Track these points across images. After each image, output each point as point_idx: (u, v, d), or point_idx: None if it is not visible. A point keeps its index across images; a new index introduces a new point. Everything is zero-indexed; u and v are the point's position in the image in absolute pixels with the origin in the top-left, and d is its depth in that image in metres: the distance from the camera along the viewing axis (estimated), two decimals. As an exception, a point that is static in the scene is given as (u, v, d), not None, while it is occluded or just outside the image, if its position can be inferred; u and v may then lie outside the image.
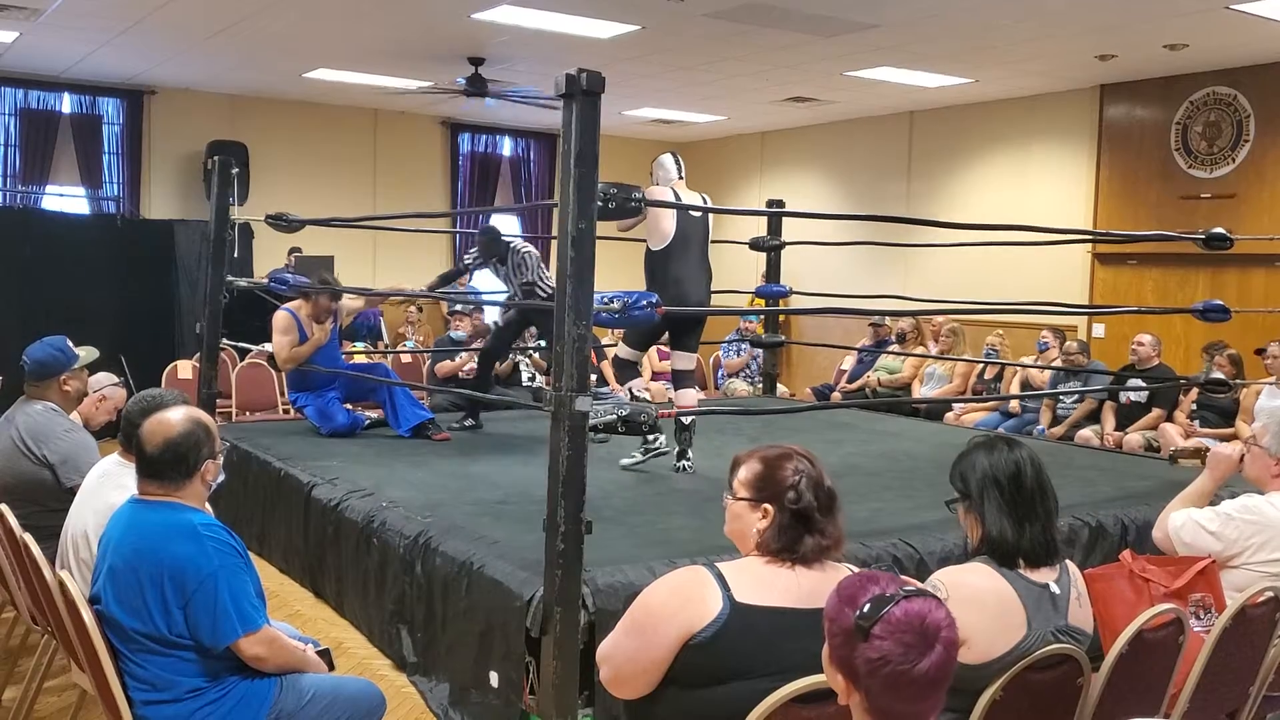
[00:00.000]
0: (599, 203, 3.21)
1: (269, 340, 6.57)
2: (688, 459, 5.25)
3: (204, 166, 9.99)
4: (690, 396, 5.60)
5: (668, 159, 5.38)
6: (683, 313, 5.22)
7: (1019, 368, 8.09)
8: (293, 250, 9.95)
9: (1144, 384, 7.21)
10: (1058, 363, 7.84)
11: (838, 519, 2.18)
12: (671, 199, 5.14)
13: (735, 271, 10.78)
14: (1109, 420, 7.47)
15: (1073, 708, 2.32)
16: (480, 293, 9.51)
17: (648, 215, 5.05)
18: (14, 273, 8.83)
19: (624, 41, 7.87)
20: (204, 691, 2.51)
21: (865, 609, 1.58)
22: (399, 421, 6.11)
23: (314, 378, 6.18)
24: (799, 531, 2.15)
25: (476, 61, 8.76)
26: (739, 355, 9.90)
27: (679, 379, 5.62)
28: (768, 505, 2.18)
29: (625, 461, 5.32)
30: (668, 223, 5.14)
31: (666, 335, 5.99)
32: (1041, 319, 8.34)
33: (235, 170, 6.41)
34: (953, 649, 1.58)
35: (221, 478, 2.76)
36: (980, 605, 2.24)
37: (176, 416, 2.64)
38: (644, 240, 5.27)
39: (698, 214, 5.26)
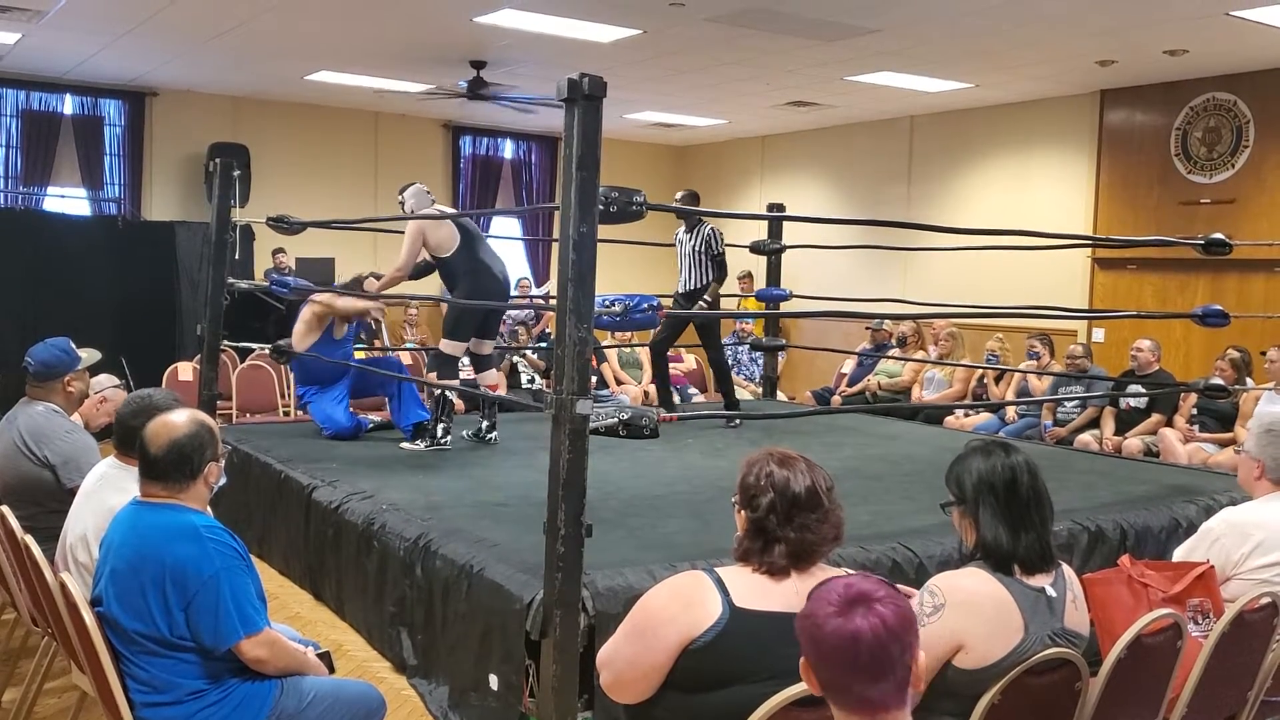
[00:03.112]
0: (600, 207, 3.21)
1: (269, 341, 6.59)
2: (495, 432, 6.03)
3: (205, 168, 10.01)
4: (493, 376, 6.33)
5: (422, 188, 6.10)
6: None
7: (1017, 373, 8.09)
8: (277, 251, 9.95)
9: (1144, 389, 7.21)
10: (1053, 368, 7.85)
11: (815, 524, 2.14)
12: (439, 212, 5.98)
13: (735, 275, 10.80)
14: (1108, 425, 7.47)
15: (1071, 712, 2.32)
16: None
17: (427, 232, 5.74)
18: (15, 274, 8.84)
19: (625, 45, 7.88)
20: (205, 693, 2.52)
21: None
22: (401, 416, 6.13)
23: (323, 372, 6.16)
24: (761, 540, 2.15)
25: (478, 65, 8.78)
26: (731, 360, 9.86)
27: (482, 362, 6.24)
28: (743, 512, 2.20)
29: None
30: (446, 230, 5.78)
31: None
32: (1041, 323, 8.34)
33: (236, 172, 6.43)
34: (892, 623, 1.57)
35: (223, 480, 2.76)
36: (977, 609, 2.25)
37: (180, 418, 2.64)
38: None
39: (468, 218, 6.18)
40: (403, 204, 6.02)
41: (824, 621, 1.58)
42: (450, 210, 6.32)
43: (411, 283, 6.62)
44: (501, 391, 8.73)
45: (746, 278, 10.66)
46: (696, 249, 6.78)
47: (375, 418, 6.60)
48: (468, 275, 5.83)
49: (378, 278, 6.23)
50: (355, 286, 6.25)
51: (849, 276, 10.20)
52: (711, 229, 6.79)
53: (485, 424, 6.06)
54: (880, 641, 1.55)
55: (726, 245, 6.78)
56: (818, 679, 1.63)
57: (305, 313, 6.25)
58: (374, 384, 6.45)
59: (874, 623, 1.56)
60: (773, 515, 2.14)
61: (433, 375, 8.65)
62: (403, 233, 6.34)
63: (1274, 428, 3.32)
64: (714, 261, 6.79)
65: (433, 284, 11.33)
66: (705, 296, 6.73)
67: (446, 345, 5.98)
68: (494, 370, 6.44)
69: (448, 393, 5.82)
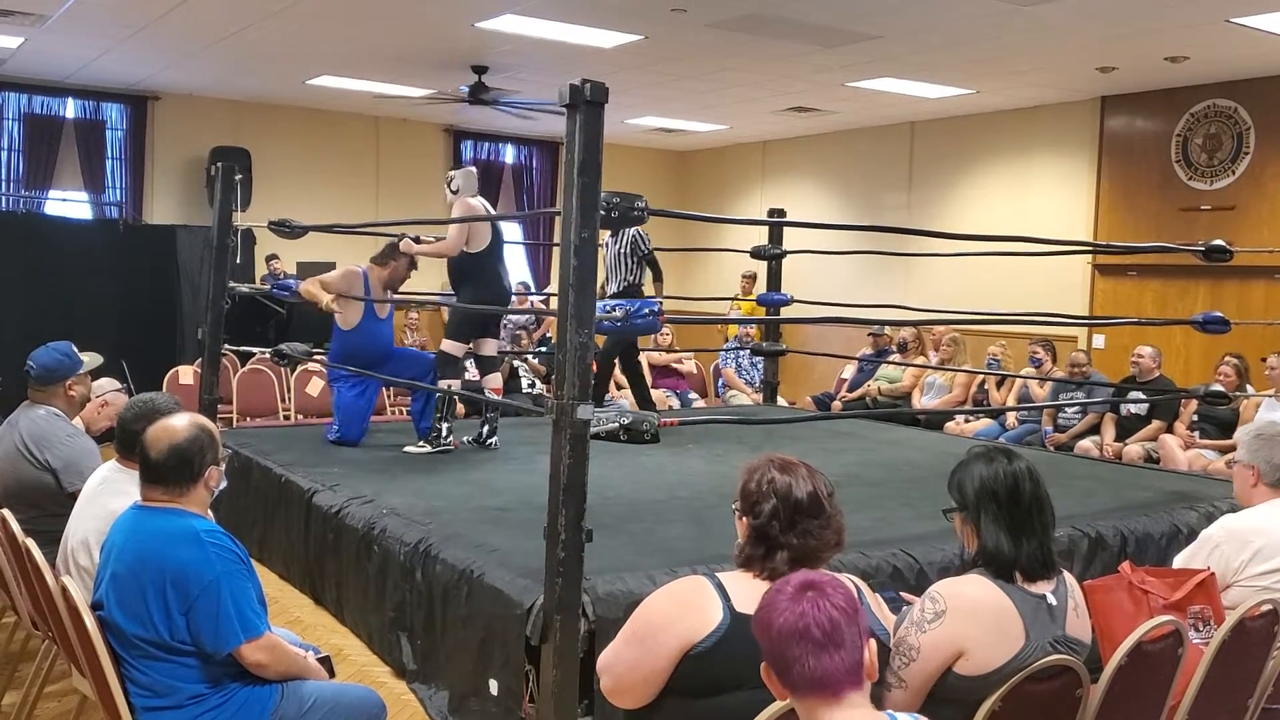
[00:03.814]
0: (601, 212, 3.22)
1: (270, 345, 6.57)
2: (495, 437, 6.02)
3: (207, 172, 10.03)
4: (497, 380, 6.34)
5: (473, 171, 6.13)
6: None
7: (1017, 379, 8.09)
8: (270, 257, 9.97)
9: (1144, 396, 7.22)
10: (1055, 374, 7.85)
11: (817, 530, 2.16)
12: (481, 206, 5.93)
13: (735, 280, 10.81)
14: (1109, 431, 7.47)
15: (1072, 719, 2.32)
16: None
17: (472, 222, 5.80)
18: (16, 277, 8.84)
19: (627, 51, 7.89)
20: (205, 697, 2.52)
21: None
22: (422, 416, 6.14)
23: (358, 358, 5.98)
24: (764, 547, 2.16)
25: (480, 70, 8.79)
26: (734, 364, 9.85)
27: (487, 365, 6.23)
28: (745, 518, 2.21)
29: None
30: (485, 226, 5.83)
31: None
32: (1041, 329, 8.34)
33: (238, 176, 6.42)
34: (839, 602, 1.69)
35: (224, 484, 2.77)
36: (978, 617, 2.24)
37: (181, 423, 2.65)
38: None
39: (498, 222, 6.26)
40: (450, 181, 5.96)
41: (775, 606, 1.70)
42: (491, 208, 6.33)
43: (412, 283, 6.61)
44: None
45: (751, 278, 10.64)
46: (622, 250, 6.83)
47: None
48: (479, 275, 5.84)
49: (416, 241, 6.17)
50: (391, 251, 6.21)
51: (850, 282, 10.21)
52: (637, 231, 6.79)
53: (485, 429, 6.05)
54: (829, 616, 1.67)
55: (728, 250, 6.79)
56: (773, 669, 1.70)
57: (344, 270, 6.22)
58: (413, 374, 6.29)
59: (822, 603, 1.69)
60: (775, 521, 2.14)
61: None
62: (402, 235, 6.34)
63: (1264, 432, 3.31)
64: (645, 261, 6.80)
65: (432, 283, 11.37)
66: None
67: (448, 345, 5.99)
68: (498, 373, 6.46)
69: (450, 391, 5.82)
